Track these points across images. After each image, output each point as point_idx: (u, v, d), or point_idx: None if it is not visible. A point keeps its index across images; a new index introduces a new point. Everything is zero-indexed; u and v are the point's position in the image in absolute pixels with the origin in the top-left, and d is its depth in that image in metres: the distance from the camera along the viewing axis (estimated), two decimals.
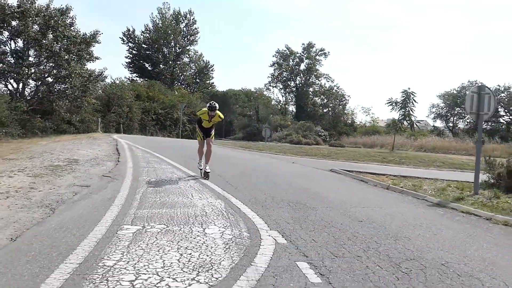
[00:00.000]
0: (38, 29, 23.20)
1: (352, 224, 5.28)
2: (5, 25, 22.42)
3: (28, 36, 22.35)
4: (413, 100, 27.77)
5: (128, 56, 58.01)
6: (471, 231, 5.45)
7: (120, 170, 9.47)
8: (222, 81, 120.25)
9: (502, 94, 49.27)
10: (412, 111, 28.18)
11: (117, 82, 34.53)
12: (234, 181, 8.60)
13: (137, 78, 56.01)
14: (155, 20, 58.96)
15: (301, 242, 4.25)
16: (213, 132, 9.32)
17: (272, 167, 13.03)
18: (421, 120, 57.12)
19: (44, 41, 23.02)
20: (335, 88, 60.76)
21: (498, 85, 49.73)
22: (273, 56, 62.26)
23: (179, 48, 60.33)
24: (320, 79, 61.33)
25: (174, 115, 39.93)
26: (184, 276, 3.11)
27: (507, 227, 5.82)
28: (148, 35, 58.63)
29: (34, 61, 23.62)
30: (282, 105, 64.59)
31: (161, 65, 58.74)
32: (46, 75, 23.98)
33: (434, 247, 4.41)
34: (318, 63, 61.31)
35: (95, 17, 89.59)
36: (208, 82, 64.37)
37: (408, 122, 29.53)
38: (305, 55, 61.11)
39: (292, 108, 64.89)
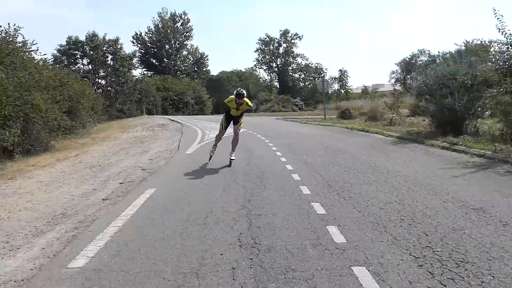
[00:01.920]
0: (102, 53, 36.48)
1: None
2: (84, 54, 35.66)
3: (97, 60, 35.67)
4: (347, 76, 41.84)
5: (138, 55, 70.60)
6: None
7: (184, 126, 23.01)
8: (216, 65, 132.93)
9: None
10: (346, 83, 42.23)
11: (145, 80, 47.68)
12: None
13: (147, 72, 68.88)
14: (156, 23, 71.46)
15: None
16: (242, 120, 8.97)
17: (262, 121, 26.63)
18: (383, 84, 70.57)
19: (108, 62, 36.58)
20: (313, 64, 74.03)
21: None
22: (256, 43, 75.28)
23: (178, 44, 72.95)
24: (296, 58, 74.55)
25: (184, 99, 53.27)
26: None
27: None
28: (151, 35, 71.16)
29: (103, 75, 37.15)
30: (267, 83, 77.76)
31: (165, 60, 71.43)
32: (111, 83, 37.53)
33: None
34: (293, 45, 74.41)
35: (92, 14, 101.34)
36: (204, 69, 77.16)
37: (344, 90, 43.47)
38: (282, 40, 74.06)
39: (276, 84, 78.13)
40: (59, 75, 18.14)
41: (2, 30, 14.24)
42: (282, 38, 74.16)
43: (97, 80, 36.23)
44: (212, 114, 49.44)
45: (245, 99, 8.49)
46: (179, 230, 4.23)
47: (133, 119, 33.13)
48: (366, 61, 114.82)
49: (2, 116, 10.33)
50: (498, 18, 8.93)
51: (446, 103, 10.56)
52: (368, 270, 3.05)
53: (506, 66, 8.29)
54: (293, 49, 74.30)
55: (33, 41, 14.83)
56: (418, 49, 64.05)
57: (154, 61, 71.28)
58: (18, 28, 14.20)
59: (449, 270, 3.02)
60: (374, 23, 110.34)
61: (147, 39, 71.19)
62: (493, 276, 2.90)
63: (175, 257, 3.48)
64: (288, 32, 73.91)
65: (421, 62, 56.83)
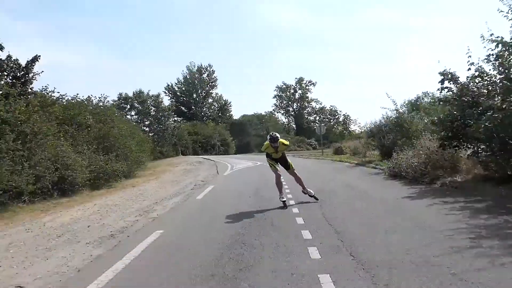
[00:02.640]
0: (147, 106, 45.09)
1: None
2: (131, 107, 44.38)
3: (143, 111, 44.17)
4: (349, 119, 48.73)
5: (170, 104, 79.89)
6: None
7: (218, 166, 30.20)
8: (238, 108, 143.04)
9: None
10: (349, 126, 49.12)
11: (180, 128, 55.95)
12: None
13: (178, 119, 77.57)
14: (185, 75, 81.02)
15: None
16: (289, 162, 9.04)
17: None
18: None
19: (151, 113, 45.15)
20: (327, 107, 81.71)
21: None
22: (274, 90, 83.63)
23: (204, 93, 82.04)
24: (310, 103, 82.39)
25: (211, 142, 61.05)
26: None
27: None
28: (180, 86, 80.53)
29: (148, 124, 45.69)
30: (285, 125, 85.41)
31: (193, 107, 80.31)
32: (154, 130, 45.87)
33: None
34: (308, 91, 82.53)
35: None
36: (228, 114, 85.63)
37: (347, 132, 50.29)
38: (297, 87, 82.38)
39: (294, 126, 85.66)
40: (132, 127, 25.82)
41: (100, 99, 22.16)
42: (297, 84, 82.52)
43: (143, 127, 44.43)
44: (235, 154, 56.70)
45: (280, 140, 8.61)
46: (232, 203, 11.11)
47: (172, 158, 40.59)
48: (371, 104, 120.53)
49: (116, 155, 17.67)
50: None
51: (382, 142, 17.33)
52: None
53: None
54: (307, 95, 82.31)
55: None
56: (422, 92, 71.12)
57: (183, 108, 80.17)
58: (106, 96, 22.19)
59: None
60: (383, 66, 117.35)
61: (177, 89, 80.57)
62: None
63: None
64: (303, 80, 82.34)
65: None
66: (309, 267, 4.23)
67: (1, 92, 12.92)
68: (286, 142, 8.95)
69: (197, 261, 4.69)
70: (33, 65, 16.06)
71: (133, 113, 45.41)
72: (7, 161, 10.60)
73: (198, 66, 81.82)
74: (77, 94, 20.89)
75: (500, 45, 8.10)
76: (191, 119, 72.54)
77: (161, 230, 6.65)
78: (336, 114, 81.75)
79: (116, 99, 45.62)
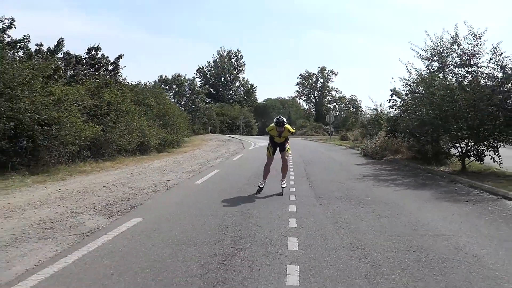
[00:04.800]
0: (184, 89, 51.64)
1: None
2: (169, 89, 51.03)
3: (179, 93, 50.81)
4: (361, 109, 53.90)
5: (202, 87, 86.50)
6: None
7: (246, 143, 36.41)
8: (263, 90, 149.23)
9: None
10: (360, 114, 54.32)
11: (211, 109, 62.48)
12: None
13: (210, 100, 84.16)
14: (215, 59, 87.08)
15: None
16: (287, 146, 8.84)
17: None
18: None
19: (187, 95, 51.78)
20: (347, 96, 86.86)
21: None
22: (297, 77, 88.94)
23: (232, 77, 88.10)
24: (331, 92, 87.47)
25: (236, 123, 67.41)
26: None
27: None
28: (210, 69, 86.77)
29: (183, 104, 52.47)
30: (306, 111, 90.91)
31: (221, 89, 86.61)
32: (188, 110, 52.73)
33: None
34: (330, 80, 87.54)
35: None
36: (253, 98, 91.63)
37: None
38: (320, 75, 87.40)
39: (314, 112, 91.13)
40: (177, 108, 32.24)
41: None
42: (319, 73, 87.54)
43: (179, 107, 51.17)
44: (257, 135, 62.89)
45: (286, 125, 8.50)
46: (254, 163, 17.26)
47: (204, 135, 47.07)
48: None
49: (171, 129, 24.06)
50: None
51: (367, 131, 23.06)
52: None
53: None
54: (328, 84, 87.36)
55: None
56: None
57: (212, 90, 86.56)
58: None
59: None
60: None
61: (207, 71, 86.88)
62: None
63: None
64: (325, 69, 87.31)
65: None
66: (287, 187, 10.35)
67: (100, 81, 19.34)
68: (292, 130, 8.75)
69: (237, 181, 10.86)
70: (119, 61, 22.47)
71: (170, 93, 52.04)
72: (116, 130, 17.00)
73: (227, 51, 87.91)
74: (141, 80, 27.12)
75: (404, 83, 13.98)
76: (218, 100, 78.93)
77: (218, 170, 12.88)
78: (356, 103, 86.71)
79: (157, 80, 52.22)
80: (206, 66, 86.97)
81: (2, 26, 14.68)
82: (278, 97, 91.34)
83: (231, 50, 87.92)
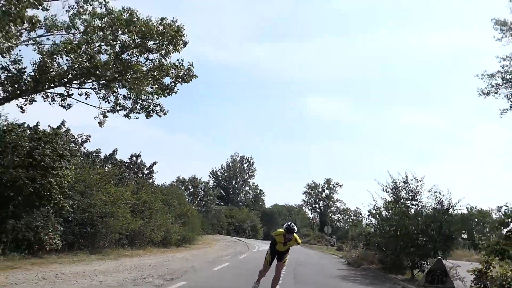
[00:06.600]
0: (198, 190, 57.03)
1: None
2: (185, 189, 56.28)
3: (194, 195, 55.99)
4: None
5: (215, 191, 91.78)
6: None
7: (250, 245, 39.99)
8: (271, 192, 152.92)
9: None
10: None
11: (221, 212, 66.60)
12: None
13: (218, 201, 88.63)
14: (228, 163, 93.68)
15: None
16: (286, 257, 8.42)
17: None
18: None
19: (200, 196, 56.82)
20: (351, 208, 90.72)
21: None
22: (304, 187, 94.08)
23: (243, 181, 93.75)
24: (335, 203, 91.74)
25: (243, 226, 70.87)
26: None
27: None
28: (223, 172, 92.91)
29: (197, 204, 57.27)
30: (311, 220, 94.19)
31: (231, 192, 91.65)
32: (202, 211, 57.24)
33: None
34: (335, 192, 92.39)
35: None
36: (260, 203, 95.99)
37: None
38: (325, 187, 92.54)
39: (318, 222, 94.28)
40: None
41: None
42: (325, 184, 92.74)
43: (192, 208, 55.58)
44: (262, 239, 65.78)
45: (295, 235, 7.98)
46: (257, 262, 21.15)
47: (212, 236, 50.54)
48: None
49: (189, 227, 28.22)
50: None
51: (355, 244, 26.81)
52: None
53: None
54: (333, 195, 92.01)
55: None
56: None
57: (222, 192, 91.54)
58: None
59: None
60: None
61: (219, 174, 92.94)
62: None
63: None
64: (331, 181, 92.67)
65: None
66: None
67: (138, 183, 24.20)
68: (299, 240, 8.25)
69: (243, 270, 14.86)
70: (153, 166, 27.65)
71: (185, 193, 56.89)
72: (150, 224, 21.30)
73: (240, 157, 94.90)
74: (165, 182, 32.17)
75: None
76: (228, 202, 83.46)
77: (228, 263, 16.85)
78: (360, 216, 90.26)
79: (174, 180, 57.41)
80: (219, 169, 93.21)
81: (81, 140, 20.05)
82: (285, 204, 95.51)
83: (244, 156, 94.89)
